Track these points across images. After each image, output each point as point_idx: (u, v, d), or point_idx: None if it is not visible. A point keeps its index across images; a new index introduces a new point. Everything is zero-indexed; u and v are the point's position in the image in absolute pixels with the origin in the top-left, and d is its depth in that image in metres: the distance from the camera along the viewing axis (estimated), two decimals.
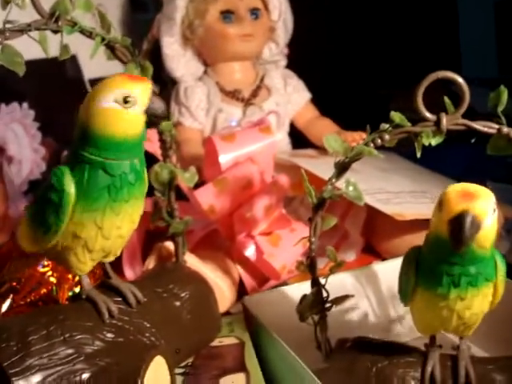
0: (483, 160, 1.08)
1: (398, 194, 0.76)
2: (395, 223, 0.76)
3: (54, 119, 0.89)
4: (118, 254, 0.49)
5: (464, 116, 0.47)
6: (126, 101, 0.42)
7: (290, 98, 0.93)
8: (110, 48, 0.50)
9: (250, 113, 0.87)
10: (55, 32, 0.46)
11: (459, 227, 0.40)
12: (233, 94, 0.89)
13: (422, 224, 0.73)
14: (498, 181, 1.00)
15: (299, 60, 0.97)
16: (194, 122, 0.88)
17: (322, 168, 0.71)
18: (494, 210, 0.42)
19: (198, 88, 0.89)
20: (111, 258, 0.49)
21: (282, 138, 0.91)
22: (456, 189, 0.42)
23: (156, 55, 0.91)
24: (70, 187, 0.43)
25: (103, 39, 0.48)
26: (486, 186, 0.98)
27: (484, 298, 0.45)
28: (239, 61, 0.90)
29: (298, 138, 0.95)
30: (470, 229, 0.40)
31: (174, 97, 0.90)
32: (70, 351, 0.43)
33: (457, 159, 1.07)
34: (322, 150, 0.90)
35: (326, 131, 0.89)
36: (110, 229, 0.45)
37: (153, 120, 0.44)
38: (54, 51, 0.55)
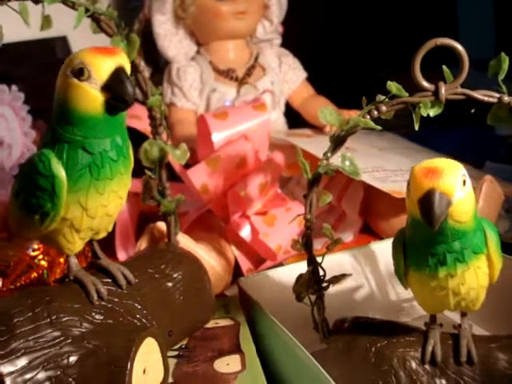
0: (483, 141, 1.08)
1: (396, 171, 0.74)
2: (393, 203, 0.75)
3: (45, 102, 0.87)
4: (110, 229, 0.48)
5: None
6: (80, 73, 0.40)
7: (286, 77, 0.92)
8: (96, 20, 0.48)
9: (245, 92, 0.86)
10: (36, 2, 0.44)
11: (428, 207, 0.39)
12: (226, 74, 0.87)
13: None
14: (497, 161, 0.99)
15: (294, 39, 0.95)
16: (187, 102, 0.86)
17: (319, 147, 0.70)
18: (465, 182, 0.41)
19: (190, 68, 0.87)
20: (102, 235, 0.48)
21: (277, 117, 0.89)
22: (421, 167, 0.41)
23: (150, 38, 0.89)
24: (60, 171, 0.42)
25: (87, 10, 0.46)
26: (484, 166, 0.97)
27: (477, 271, 0.44)
28: (233, 39, 0.89)
29: (294, 118, 0.94)
30: (439, 207, 0.39)
31: (166, 77, 0.88)
32: (56, 334, 0.41)
33: (456, 140, 1.06)
34: (318, 129, 0.89)
35: None
36: (95, 208, 0.43)
37: (112, 102, 0.41)
38: (42, 32, 0.52)
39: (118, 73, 0.40)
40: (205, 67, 0.87)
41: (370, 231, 0.81)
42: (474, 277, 0.43)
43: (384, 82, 0.46)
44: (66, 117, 0.41)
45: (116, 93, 0.40)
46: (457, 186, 0.40)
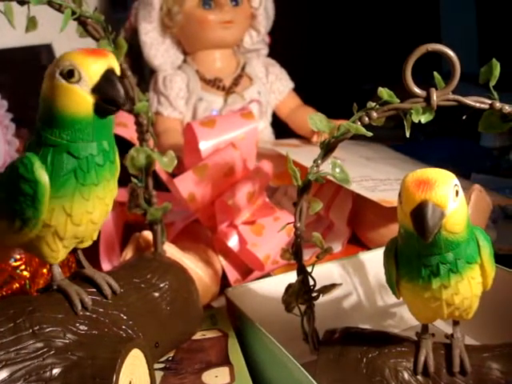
0: (468, 152, 1.08)
1: (384, 181, 0.74)
2: (381, 212, 0.74)
3: (29, 110, 0.85)
4: (95, 238, 0.46)
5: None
6: (69, 75, 0.39)
7: (273, 87, 0.91)
8: (82, 24, 0.47)
9: (232, 101, 0.85)
10: (21, 3, 0.43)
11: (421, 219, 0.38)
12: (213, 83, 0.86)
13: None
14: (482, 173, 1.00)
15: (281, 50, 0.95)
16: (174, 111, 0.85)
17: (307, 157, 0.69)
18: (457, 192, 0.40)
19: (177, 77, 0.86)
20: (87, 243, 0.46)
21: (264, 127, 0.89)
22: (413, 178, 0.40)
23: (135, 47, 0.89)
24: (43, 176, 0.41)
25: (73, 13, 0.45)
26: (470, 177, 0.97)
27: (470, 281, 0.43)
28: (219, 48, 0.88)
29: (281, 129, 0.93)
30: (432, 219, 0.38)
31: (152, 86, 0.87)
32: (39, 345, 0.40)
33: (442, 152, 1.06)
34: (305, 139, 0.88)
35: None
36: (80, 215, 0.42)
37: (103, 106, 0.40)
38: (27, 39, 0.52)
39: (109, 75, 0.40)
40: (191, 76, 0.86)
41: (357, 242, 0.80)
42: (468, 287, 0.43)
43: (369, 93, 0.46)
44: (52, 120, 0.40)
45: (107, 95, 0.40)
46: (450, 197, 0.39)
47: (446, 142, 1.13)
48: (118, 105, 0.40)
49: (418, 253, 0.42)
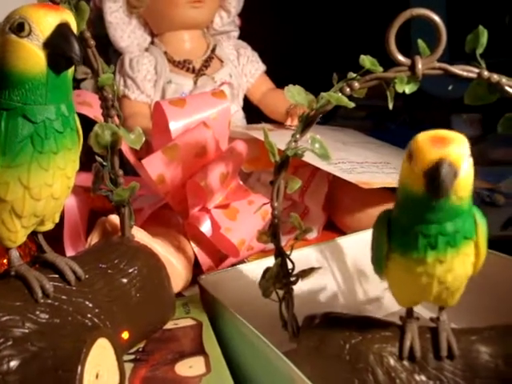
0: None
1: (362, 164, 0.72)
2: (358, 197, 0.73)
3: None
4: (57, 219, 0.43)
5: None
6: (19, 28, 0.36)
7: (244, 70, 0.88)
8: None
9: (202, 84, 0.82)
10: None
11: (436, 177, 0.36)
12: (182, 65, 0.83)
13: (385, 196, 0.70)
14: None
15: (252, 33, 0.92)
16: (141, 94, 0.82)
17: (281, 139, 0.67)
18: (470, 155, 0.38)
19: (144, 59, 0.83)
20: (49, 226, 0.43)
21: (235, 111, 0.85)
22: (426, 136, 0.38)
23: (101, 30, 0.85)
24: None
25: None
26: None
27: (465, 258, 0.41)
28: (188, 29, 0.85)
29: (253, 114, 0.90)
30: (449, 177, 0.36)
31: (118, 68, 0.84)
32: None
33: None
34: (278, 123, 0.86)
35: (282, 104, 0.84)
36: (38, 187, 0.39)
37: (58, 60, 0.37)
38: None
39: (63, 28, 0.37)
40: (159, 58, 0.83)
41: (333, 228, 0.78)
42: (462, 264, 0.41)
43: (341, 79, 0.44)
44: (2, 80, 0.37)
45: (60, 50, 0.37)
46: (465, 156, 0.37)
47: (417, 132, 1.11)
48: (71, 60, 0.37)
49: (416, 221, 0.40)
